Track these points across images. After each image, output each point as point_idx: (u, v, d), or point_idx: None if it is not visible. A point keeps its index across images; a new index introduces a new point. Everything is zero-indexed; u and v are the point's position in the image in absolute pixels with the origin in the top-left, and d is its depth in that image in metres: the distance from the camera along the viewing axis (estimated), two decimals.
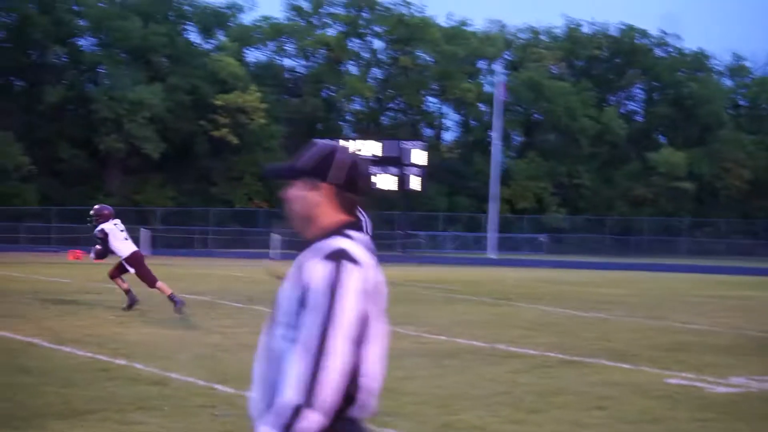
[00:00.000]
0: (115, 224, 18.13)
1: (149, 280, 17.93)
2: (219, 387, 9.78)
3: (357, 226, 3.24)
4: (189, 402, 9.07)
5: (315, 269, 3.06)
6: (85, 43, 70.45)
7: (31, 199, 61.86)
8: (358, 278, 3.04)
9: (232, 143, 65.85)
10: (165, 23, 69.12)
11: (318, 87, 74.93)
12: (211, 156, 67.16)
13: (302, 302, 3.06)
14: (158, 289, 17.66)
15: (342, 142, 3.53)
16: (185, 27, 73.30)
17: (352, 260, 3.06)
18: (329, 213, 3.24)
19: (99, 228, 17.98)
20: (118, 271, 18.08)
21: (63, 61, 68.63)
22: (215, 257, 48.33)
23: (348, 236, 3.17)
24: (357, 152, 3.32)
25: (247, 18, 77.63)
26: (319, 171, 3.24)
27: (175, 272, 30.93)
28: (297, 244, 3.29)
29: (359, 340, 3.03)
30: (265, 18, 76.32)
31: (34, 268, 32.59)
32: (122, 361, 11.27)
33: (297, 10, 76.55)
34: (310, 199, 3.24)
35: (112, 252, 18.08)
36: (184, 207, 63.27)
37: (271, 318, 3.22)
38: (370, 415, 3.14)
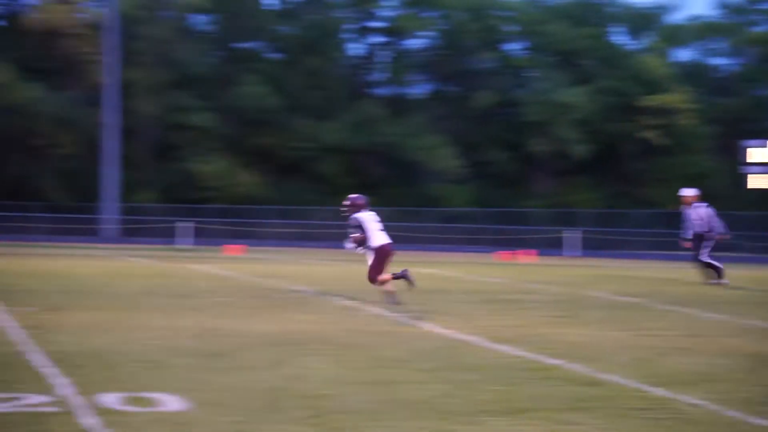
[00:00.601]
0: (370, 214, 18.00)
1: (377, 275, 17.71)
2: (652, 390, 9.72)
3: None
4: (622, 404, 9.08)
5: None
6: (513, 47, 72.13)
7: (462, 200, 64.10)
8: None
9: (659, 145, 64.97)
10: (592, 26, 69.42)
11: (749, 86, 72.26)
12: (637, 158, 66.61)
13: None
14: (379, 286, 17.57)
15: None
16: (612, 29, 73.18)
17: None
18: None
19: (353, 217, 17.88)
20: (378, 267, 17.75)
21: (493, 66, 70.50)
22: (642, 259, 47.86)
23: None
24: None
25: (675, 17, 76.29)
26: None
27: (604, 274, 31.06)
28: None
29: None
30: (695, 17, 74.66)
31: (466, 267, 33.74)
32: (555, 361, 11.43)
33: (728, 7, 74.24)
34: None
35: (366, 243, 17.78)
36: (610, 209, 63.06)
37: None
38: None
